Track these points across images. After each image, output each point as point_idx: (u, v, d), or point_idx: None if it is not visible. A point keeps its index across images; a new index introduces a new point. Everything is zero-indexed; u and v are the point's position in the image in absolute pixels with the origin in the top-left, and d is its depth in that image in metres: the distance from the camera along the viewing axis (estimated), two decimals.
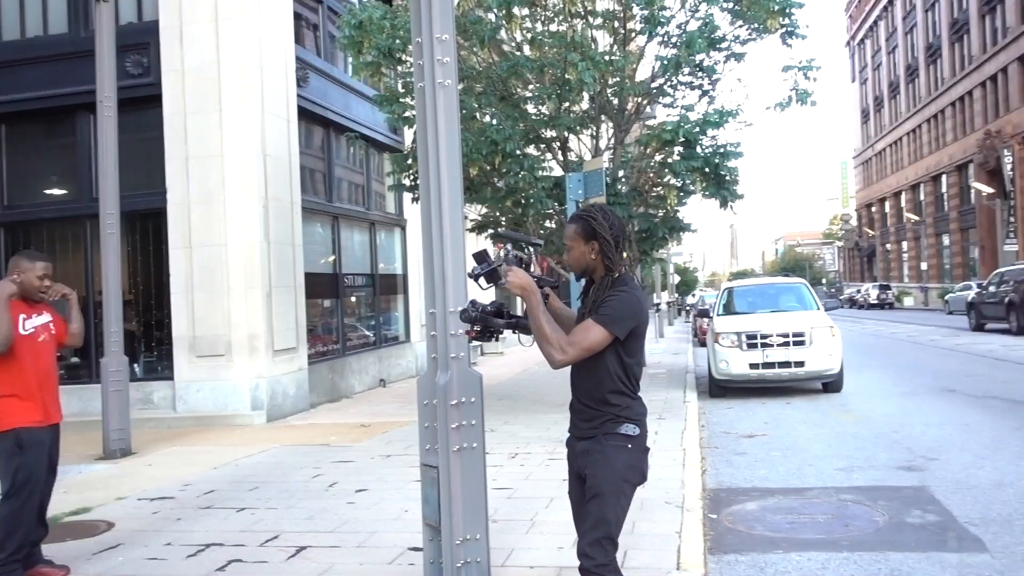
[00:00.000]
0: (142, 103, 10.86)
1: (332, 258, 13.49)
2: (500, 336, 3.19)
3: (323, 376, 12.42)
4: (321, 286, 12.97)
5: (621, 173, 10.00)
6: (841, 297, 57.39)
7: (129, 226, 10.90)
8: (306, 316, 11.83)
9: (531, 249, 2.98)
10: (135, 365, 11.07)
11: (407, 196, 11.45)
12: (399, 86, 11.28)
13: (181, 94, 10.72)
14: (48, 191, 12.20)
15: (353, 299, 14.43)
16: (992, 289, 22.33)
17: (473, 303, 3.12)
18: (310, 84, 12.45)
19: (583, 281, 3.15)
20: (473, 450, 3.94)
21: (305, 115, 12.35)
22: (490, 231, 11.11)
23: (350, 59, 11.77)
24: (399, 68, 10.47)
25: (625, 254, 11.11)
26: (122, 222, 9.03)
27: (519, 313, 3.21)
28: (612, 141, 10.51)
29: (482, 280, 3.06)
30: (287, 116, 11.47)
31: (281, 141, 11.26)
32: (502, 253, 2.99)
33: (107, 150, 8.79)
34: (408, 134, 12.33)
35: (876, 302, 48.56)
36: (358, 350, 14.09)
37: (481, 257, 3.06)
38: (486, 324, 3.09)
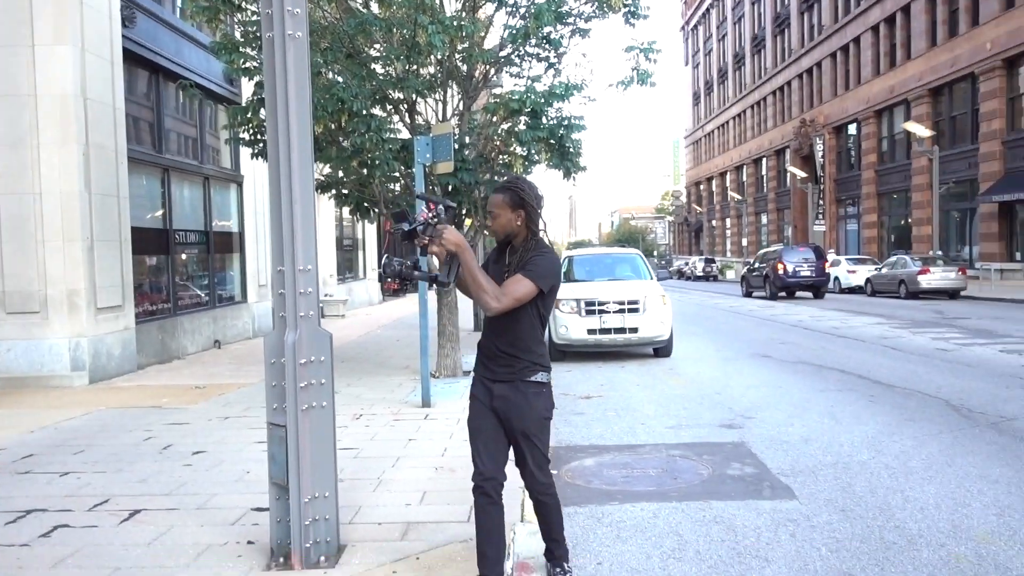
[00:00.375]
0: None
1: (161, 213, 12.72)
2: (410, 288, 3.41)
3: (152, 336, 11.76)
4: (150, 242, 12.23)
5: (468, 139, 10.02)
6: (671, 269, 60.71)
7: None
8: (133, 273, 11.12)
9: (442, 209, 3.20)
10: None
11: (245, 151, 10.95)
12: (237, 34, 10.71)
13: None
14: None
15: (184, 256, 13.69)
16: (757, 265, 29.39)
17: (391, 258, 3.36)
18: (138, 25, 11.60)
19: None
20: (322, 409, 3.92)
21: (131, 58, 11.50)
22: (333, 192, 10.84)
23: (182, 1, 11.03)
24: (238, 15, 9.94)
25: (469, 221, 11.23)
26: None
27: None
28: (460, 107, 10.50)
29: (408, 236, 3.23)
30: (111, 57, 10.63)
31: (104, 84, 10.43)
32: (440, 210, 3.18)
33: None
34: (247, 85, 11.75)
35: (702, 274, 51.75)
36: (191, 310, 13.42)
37: (401, 216, 3.26)
38: (407, 278, 3.35)
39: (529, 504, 4.67)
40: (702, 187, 73.77)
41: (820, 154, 44.30)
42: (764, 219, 56.60)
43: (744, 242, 58.26)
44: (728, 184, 64.26)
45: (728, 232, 66.09)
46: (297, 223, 3.91)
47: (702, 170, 72.80)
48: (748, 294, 29.69)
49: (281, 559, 3.83)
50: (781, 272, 26.33)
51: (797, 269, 26.16)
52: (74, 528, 4.38)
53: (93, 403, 8.26)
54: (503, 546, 3.45)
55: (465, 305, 13.96)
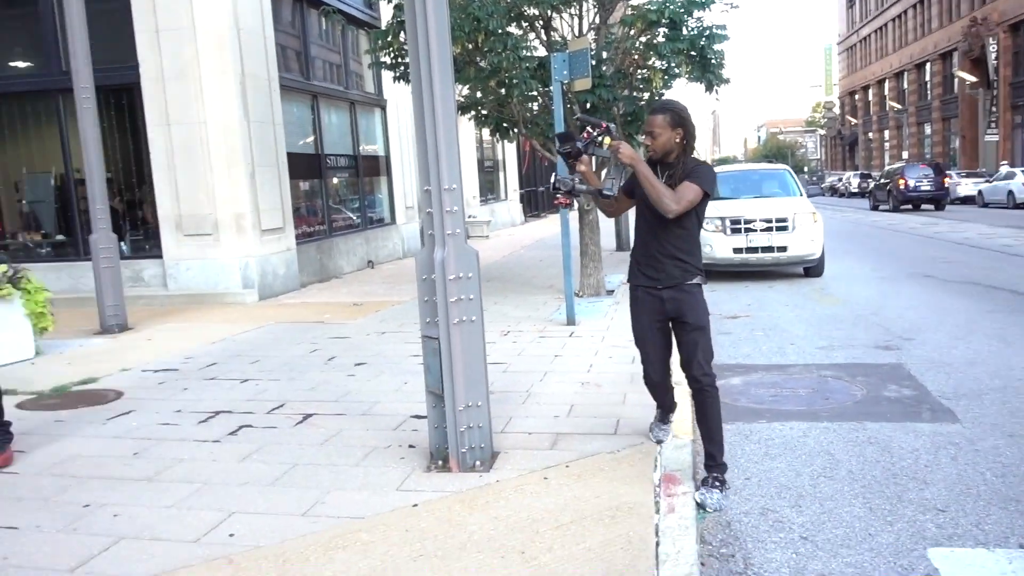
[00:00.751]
0: None
1: (312, 138, 13.29)
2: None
3: (311, 257, 12.47)
4: (304, 167, 12.84)
5: (605, 54, 9.80)
6: (823, 185, 57.62)
7: (103, 101, 10.60)
8: (290, 197, 11.76)
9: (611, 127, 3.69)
10: (122, 243, 11.03)
11: (387, 76, 11.20)
12: None
13: None
14: (13, 64, 11.76)
15: (336, 180, 14.31)
16: (882, 181, 32.10)
17: (561, 178, 3.85)
18: None
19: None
20: (472, 323, 4.08)
21: None
22: (472, 113, 10.95)
23: None
24: None
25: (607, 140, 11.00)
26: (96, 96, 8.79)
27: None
28: (596, 21, 10.25)
29: (572, 157, 3.77)
30: None
31: (254, 14, 10.88)
32: (611, 127, 3.65)
33: (74, 22, 8.43)
34: (386, 9, 11.91)
35: (857, 191, 48.80)
36: (344, 231, 14.10)
37: (566, 137, 3.76)
38: (576, 193, 3.85)
39: (676, 419, 4.73)
40: (857, 97, 68.92)
41: (993, 56, 40.19)
42: (927, 130, 52.44)
43: (904, 155, 54.32)
44: (887, 93, 59.73)
45: (887, 145, 61.72)
46: (441, 144, 4.00)
47: (857, 78, 67.89)
48: (875, 207, 31.82)
49: (440, 462, 4.09)
50: (902, 187, 28.67)
51: (917, 184, 28.53)
52: (256, 428, 4.83)
53: (263, 318, 8.93)
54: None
55: (607, 225, 13.90)
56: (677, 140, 3.71)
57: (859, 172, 54.31)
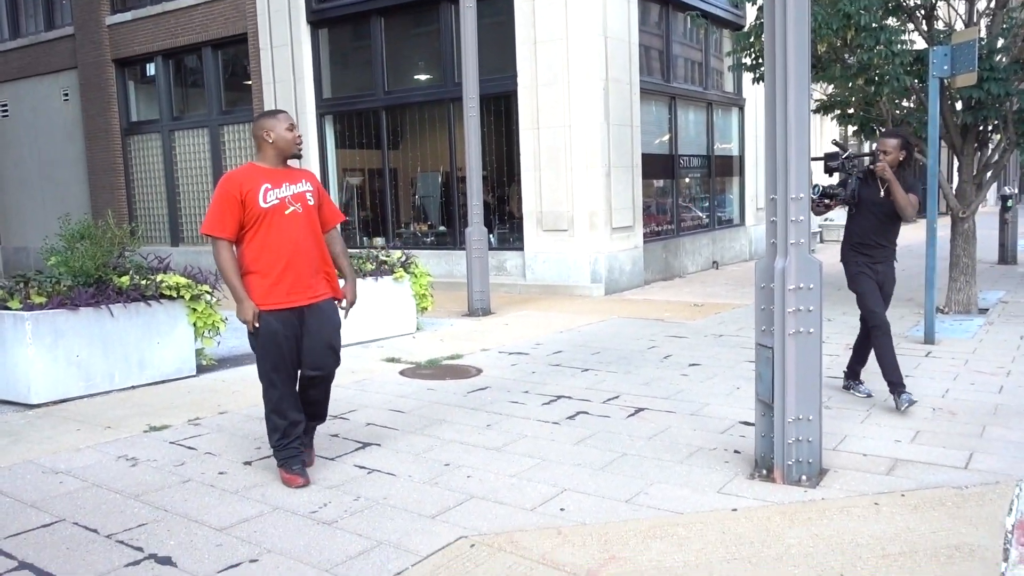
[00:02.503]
0: None
1: (667, 138, 13.59)
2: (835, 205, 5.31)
3: (657, 255, 12.83)
4: (656, 166, 13.20)
5: (1001, 42, 8.69)
6: None
7: (484, 108, 11.90)
8: (642, 196, 12.20)
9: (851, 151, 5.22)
10: (491, 236, 12.34)
11: (747, 75, 11.10)
12: None
13: None
14: (417, 76, 13.66)
15: (687, 180, 14.49)
16: None
17: (818, 186, 5.10)
18: None
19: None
20: (809, 335, 4.01)
21: None
22: (836, 112, 10.39)
23: None
24: None
25: (998, 136, 9.41)
26: (480, 104, 9.93)
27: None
28: (991, 5, 9.11)
29: (834, 171, 5.20)
30: None
31: (621, 22, 11.41)
32: (869, 147, 4.52)
33: (467, 40, 9.60)
34: (751, 10, 11.76)
35: None
36: (691, 231, 14.25)
37: (834, 155, 5.14)
38: (833, 198, 5.19)
39: None
40: None
41: None
42: None
43: None
44: None
45: None
46: (791, 152, 3.97)
47: None
48: None
49: (764, 471, 4.10)
50: None
51: None
52: (591, 415, 5.23)
53: (607, 312, 9.45)
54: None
55: (985, 234, 12.36)
56: (901, 159, 5.08)
57: None
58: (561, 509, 3.74)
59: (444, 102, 12.69)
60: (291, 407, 4.07)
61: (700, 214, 14.83)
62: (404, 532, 3.51)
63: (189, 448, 4.74)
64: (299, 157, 4.11)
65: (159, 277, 6.40)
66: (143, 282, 6.29)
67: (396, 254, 8.41)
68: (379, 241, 13.69)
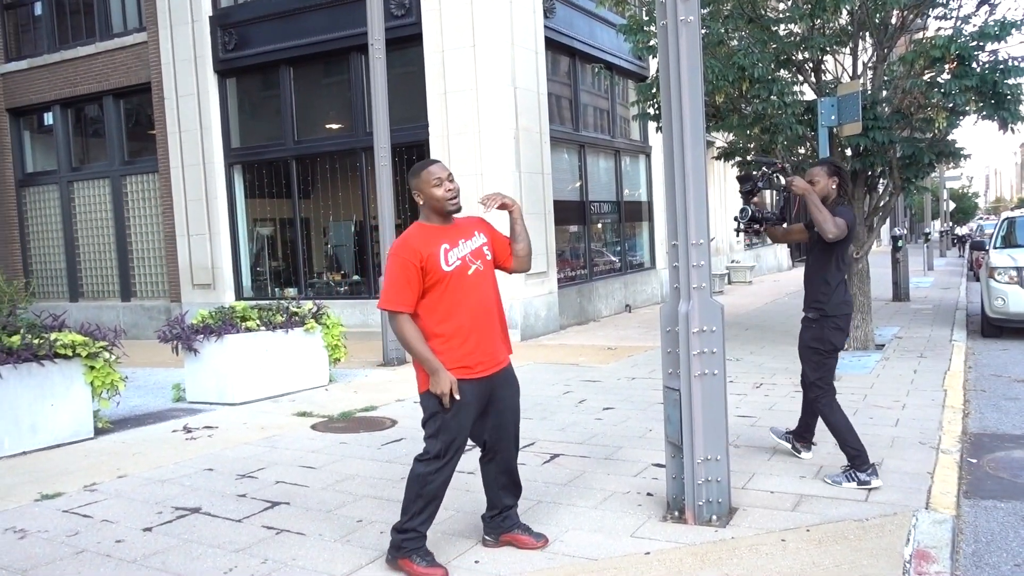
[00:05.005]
0: (405, 42, 11.70)
1: (578, 185, 13.88)
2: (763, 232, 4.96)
3: (571, 300, 12.99)
4: (568, 213, 13.44)
5: (883, 94, 9.27)
6: None
7: (397, 157, 11.93)
8: (555, 242, 12.37)
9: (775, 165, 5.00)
10: None
11: (651, 124, 11.50)
12: (643, 14, 11.20)
13: (439, 32, 11.41)
14: (328, 126, 13.59)
15: (599, 226, 14.81)
16: None
17: (746, 210, 4.76)
18: (556, 14, 12.71)
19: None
20: (714, 376, 4.11)
21: (552, 45, 12.65)
22: (737, 159, 10.85)
23: None
24: None
25: (883, 183, 9.97)
26: (391, 154, 9.95)
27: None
28: (873, 59, 9.74)
29: (751, 194, 4.81)
30: (535, 48, 11.83)
31: (530, 73, 11.67)
32: (782, 167, 5.02)
33: (378, 91, 9.63)
34: (653, 62, 12.25)
35: None
36: (604, 275, 14.52)
37: (745, 178, 4.83)
38: (759, 220, 4.80)
39: (938, 491, 4.39)
40: None
41: None
42: None
43: None
44: None
45: None
46: (690, 199, 4.11)
47: None
48: None
49: (676, 513, 4.15)
50: None
51: None
52: None
53: (523, 358, 9.48)
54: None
55: (879, 273, 13.00)
56: (834, 187, 4.62)
57: None
58: (476, 561, 3.69)
59: (356, 151, 12.67)
60: (445, 489, 3.63)
61: (612, 258, 15.14)
62: None
63: (84, 516, 4.49)
64: (457, 211, 3.67)
65: (53, 335, 6.11)
66: (36, 341, 5.99)
67: (307, 304, 8.27)
68: (291, 292, 13.46)
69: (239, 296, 13.72)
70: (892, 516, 4.04)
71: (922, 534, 3.83)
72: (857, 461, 4.46)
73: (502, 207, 3.68)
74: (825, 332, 4.59)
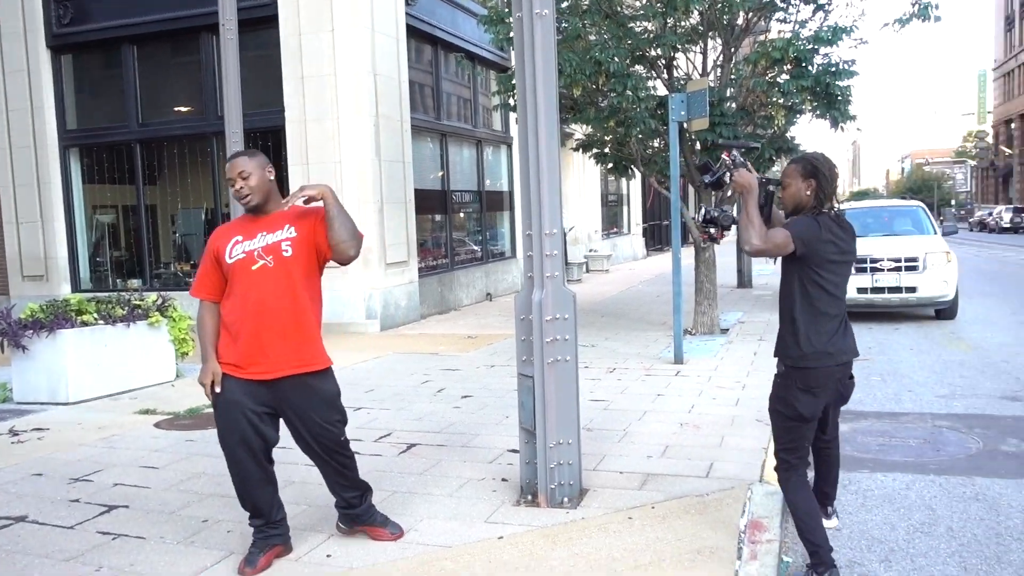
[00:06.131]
0: (260, 24, 11.26)
1: (440, 174, 13.85)
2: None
3: (433, 289, 12.96)
4: (430, 202, 13.39)
5: (729, 92, 9.78)
6: (971, 220, 54.17)
7: (251, 142, 11.48)
8: (416, 231, 12.29)
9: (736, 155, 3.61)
10: None
11: (512, 115, 11.62)
12: (503, 5, 11.30)
13: (295, 14, 11.05)
14: (176, 108, 12.92)
15: (461, 215, 14.83)
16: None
17: (724, 211, 3.90)
18: (418, 2, 12.59)
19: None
20: (566, 363, 4.22)
21: (414, 33, 12.54)
22: (594, 151, 11.14)
23: None
24: None
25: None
26: (244, 139, 9.57)
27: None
28: (721, 58, 10.25)
29: (711, 186, 3.87)
30: (396, 35, 11.69)
31: (390, 60, 11.52)
32: (730, 158, 3.53)
33: (229, 73, 9.15)
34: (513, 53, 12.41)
35: (1009, 225, 45.55)
36: (466, 264, 14.56)
37: (704, 168, 3.82)
38: (717, 222, 3.84)
39: (772, 464, 4.69)
40: (1013, 125, 64.45)
41: None
42: None
43: None
44: None
45: None
46: (544, 190, 4.20)
47: (1014, 106, 63.55)
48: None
49: (529, 497, 4.23)
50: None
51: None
52: (363, 455, 5.10)
53: (383, 348, 9.39)
54: None
55: (726, 261, 13.71)
56: (808, 192, 3.37)
57: (1012, 206, 50.57)
58: (328, 555, 3.63)
59: (207, 136, 12.10)
60: (255, 489, 3.51)
61: (474, 247, 15.22)
62: None
63: None
64: (251, 208, 3.45)
65: None
66: None
67: (151, 297, 7.84)
68: (134, 283, 12.72)
69: (76, 288, 12.84)
70: (730, 490, 4.28)
71: (756, 505, 4.07)
72: (815, 560, 3.34)
73: (309, 200, 3.37)
74: (790, 392, 3.38)
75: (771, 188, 3.54)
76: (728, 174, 3.57)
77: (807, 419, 3.38)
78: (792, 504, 3.46)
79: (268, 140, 11.79)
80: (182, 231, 13.17)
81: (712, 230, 3.88)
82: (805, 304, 3.35)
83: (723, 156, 3.60)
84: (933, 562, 3.57)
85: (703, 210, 4.04)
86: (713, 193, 3.51)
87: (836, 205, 3.43)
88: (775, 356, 3.50)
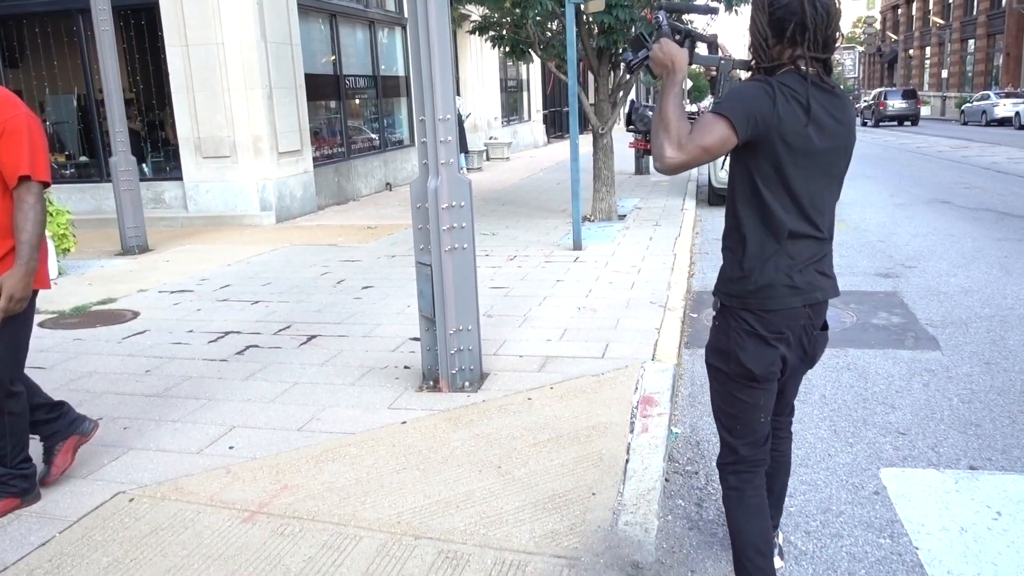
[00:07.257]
0: None
1: (332, 58, 13.26)
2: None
3: (329, 179, 12.62)
4: (323, 88, 12.86)
5: None
6: (858, 105, 55.86)
7: (122, 21, 10.66)
8: (309, 119, 11.84)
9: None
10: (143, 165, 11.27)
11: None
12: None
13: None
14: None
15: (356, 102, 14.33)
16: (871, 101, 40.44)
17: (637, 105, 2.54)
18: None
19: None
20: (464, 250, 4.23)
21: None
22: (491, 34, 10.85)
23: None
24: None
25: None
26: (115, 17, 8.85)
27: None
28: None
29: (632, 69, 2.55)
30: None
31: None
32: (661, 19, 2.34)
33: None
34: None
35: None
36: (363, 153, 14.19)
37: (638, 43, 2.49)
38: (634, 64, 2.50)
39: (664, 344, 4.91)
40: (900, 12, 66.23)
41: None
42: (971, 46, 50.46)
43: (944, 74, 52.46)
44: (931, 7, 57.35)
45: (927, 63, 59.58)
46: (436, 74, 4.08)
47: None
48: (863, 123, 39.18)
49: (431, 383, 4.31)
50: (881, 108, 37.55)
51: (894, 103, 37.42)
52: (262, 348, 5.09)
53: (279, 240, 9.17)
54: None
55: (623, 148, 13.82)
56: (767, 43, 2.14)
57: (902, 88, 52.10)
58: (230, 447, 3.63)
59: (72, 13, 11.13)
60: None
61: (372, 136, 14.81)
62: (48, 500, 3.19)
63: None
64: None
65: None
66: None
67: None
68: None
69: None
70: (624, 369, 4.47)
71: (648, 382, 4.28)
72: None
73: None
74: (730, 337, 2.24)
75: (724, 59, 2.38)
76: (640, 54, 2.41)
77: (757, 378, 2.23)
78: (735, 528, 2.35)
79: (140, 18, 10.99)
80: (53, 119, 12.26)
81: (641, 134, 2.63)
82: (759, 216, 2.18)
83: (654, 21, 2.39)
84: (806, 427, 3.86)
85: (630, 103, 2.75)
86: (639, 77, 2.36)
87: (820, 59, 2.21)
88: (714, 293, 2.34)
